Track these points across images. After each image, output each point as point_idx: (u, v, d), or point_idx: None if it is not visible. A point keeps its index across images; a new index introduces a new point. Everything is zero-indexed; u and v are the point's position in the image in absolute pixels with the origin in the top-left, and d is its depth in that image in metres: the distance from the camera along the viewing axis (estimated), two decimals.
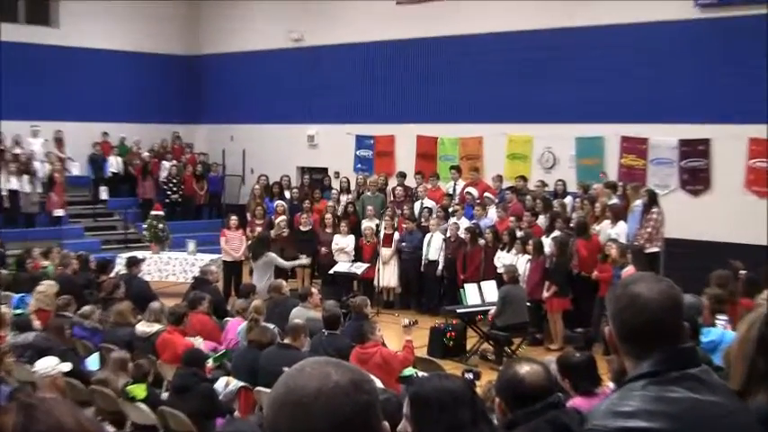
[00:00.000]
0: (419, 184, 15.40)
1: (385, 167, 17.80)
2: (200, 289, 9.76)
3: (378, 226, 14.16)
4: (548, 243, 11.82)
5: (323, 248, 14.43)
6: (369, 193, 15.60)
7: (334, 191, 16.19)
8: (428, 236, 13.67)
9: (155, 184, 19.15)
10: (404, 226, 14.17)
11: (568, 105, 15.00)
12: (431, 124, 17.15)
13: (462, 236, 13.16)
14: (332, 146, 18.75)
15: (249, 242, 14.11)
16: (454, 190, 15.11)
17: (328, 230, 14.57)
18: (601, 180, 13.68)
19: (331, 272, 13.80)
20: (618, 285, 2.27)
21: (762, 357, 2.40)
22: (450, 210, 14.16)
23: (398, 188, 15.49)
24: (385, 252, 14.00)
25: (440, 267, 13.46)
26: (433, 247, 13.53)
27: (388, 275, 14.02)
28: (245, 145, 20.44)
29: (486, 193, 14.27)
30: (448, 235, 13.54)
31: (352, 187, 16.40)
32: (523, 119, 15.67)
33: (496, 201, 14.05)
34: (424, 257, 13.65)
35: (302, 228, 14.70)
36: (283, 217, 14.65)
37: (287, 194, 16.41)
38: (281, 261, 12.46)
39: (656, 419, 2.03)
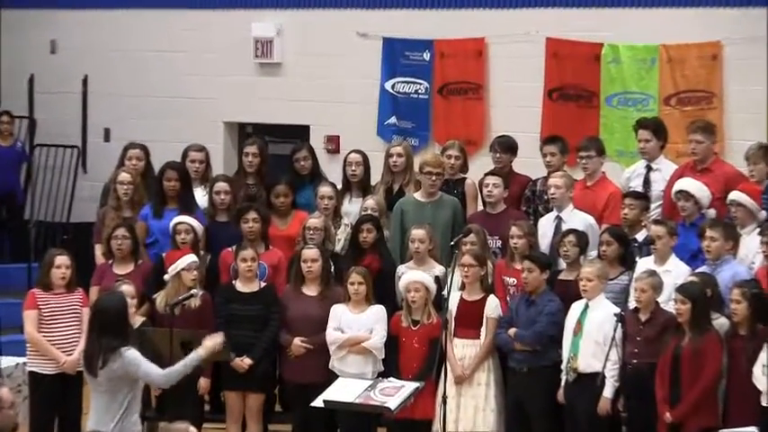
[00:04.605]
0: (553, 168, 15.68)
1: (461, 128, 18.27)
2: None
3: (442, 280, 14.38)
4: None
5: (296, 341, 14.79)
6: (418, 196, 15.92)
7: (325, 190, 16.36)
8: (577, 306, 13.95)
9: None
10: (511, 282, 14.42)
11: None
12: (581, 9, 17.63)
13: (671, 308, 13.27)
14: (319, 69, 19.28)
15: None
16: (647, 183, 15.47)
17: (309, 293, 14.97)
18: None
19: (318, 403, 13.77)
20: None
21: None
22: (637, 238, 14.48)
23: (496, 181, 15.66)
24: (463, 349, 14.24)
25: (608, 391, 13.68)
26: (592, 338, 13.70)
27: (470, 413, 14.25)
28: (90, 67, 21.11)
29: (734, 195, 14.59)
30: (631, 306, 13.67)
31: (374, 179, 16.73)
32: None
33: (763, 214, 14.22)
34: (565, 366, 13.95)
35: (240, 286, 15.03)
36: (192, 258, 14.87)
37: (200, 196, 16.68)
38: (152, 371, 12.17)
39: None
